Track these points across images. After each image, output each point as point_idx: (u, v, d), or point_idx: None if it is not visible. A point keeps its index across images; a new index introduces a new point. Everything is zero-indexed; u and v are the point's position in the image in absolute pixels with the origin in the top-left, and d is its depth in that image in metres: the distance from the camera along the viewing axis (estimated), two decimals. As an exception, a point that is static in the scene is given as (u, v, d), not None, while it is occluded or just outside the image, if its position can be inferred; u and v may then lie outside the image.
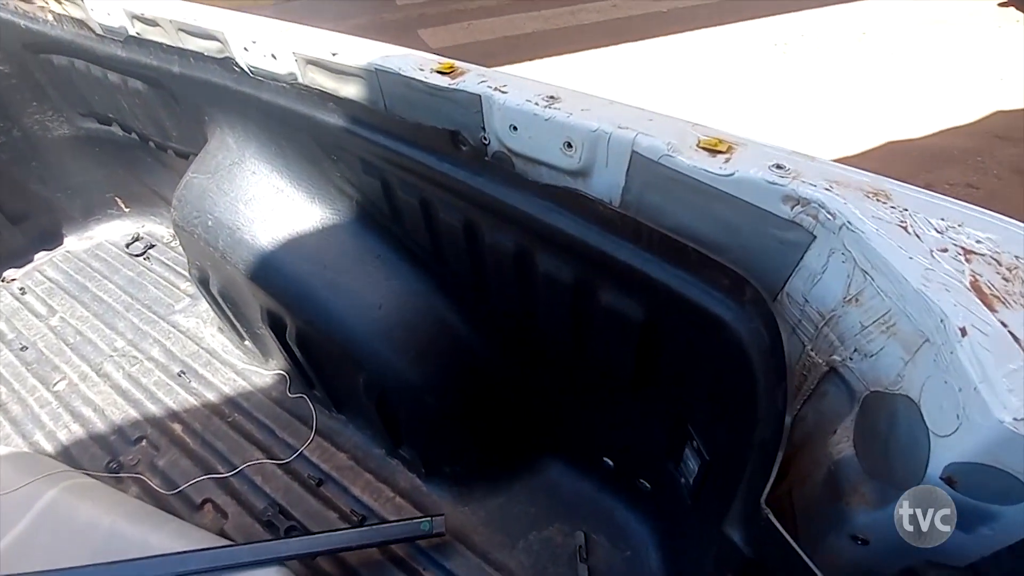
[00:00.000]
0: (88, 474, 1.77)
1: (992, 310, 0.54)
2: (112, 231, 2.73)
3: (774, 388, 0.65)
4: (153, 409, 2.00)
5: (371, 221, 1.55)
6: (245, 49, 1.40)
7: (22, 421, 1.98)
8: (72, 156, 2.48)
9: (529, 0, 6.54)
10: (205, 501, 1.74)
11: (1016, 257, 0.60)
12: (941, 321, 0.55)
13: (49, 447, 1.92)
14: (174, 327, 2.27)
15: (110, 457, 1.87)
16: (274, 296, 1.57)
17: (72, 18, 1.88)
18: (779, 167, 0.76)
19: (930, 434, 0.55)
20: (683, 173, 0.83)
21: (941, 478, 0.54)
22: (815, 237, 0.73)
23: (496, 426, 1.67)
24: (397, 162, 1.24)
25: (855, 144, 4.15)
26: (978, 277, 0.58)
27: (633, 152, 0.87)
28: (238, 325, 1.93)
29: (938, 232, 0.64)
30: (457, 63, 1.13)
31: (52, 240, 2.66)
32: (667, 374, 1.08)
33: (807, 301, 0.78)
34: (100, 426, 1.97)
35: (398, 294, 1.53)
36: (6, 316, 2.35)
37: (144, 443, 1.91)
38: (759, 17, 6.21)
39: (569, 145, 0.94)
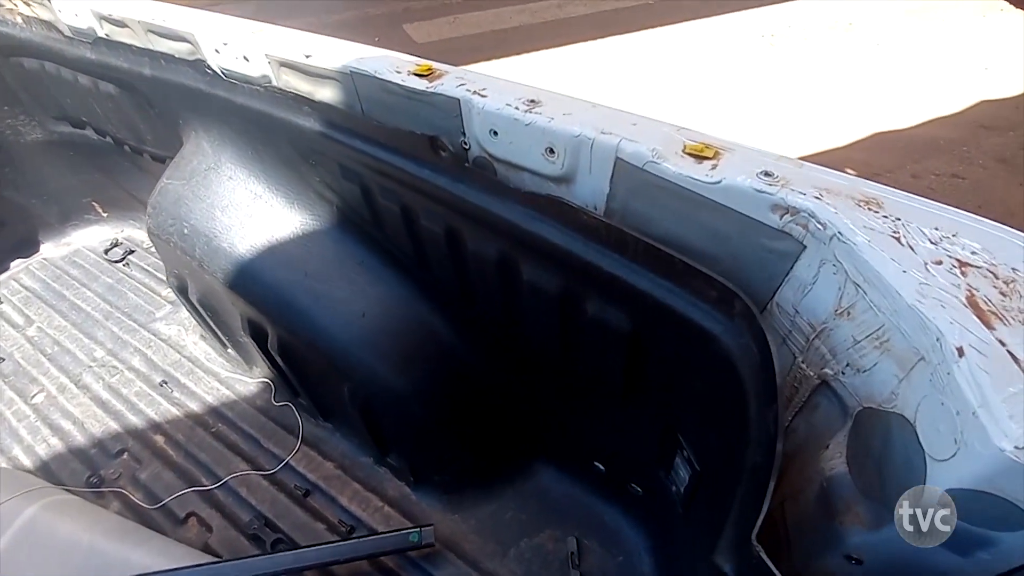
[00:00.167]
0: (68, 490, 1.73)
1: (990, 327, 0.52)
2: (90, 237, 2.66)
3: (765, 409, 0.63)
4: (134, 421, 1.95)
5: (353, 226, 1.51)
6: (216, 51, 1.35)
7: (-1, 435, 1.93)
8: (46, 161, 2.41)
9: (515, -7, 6.47)
10: (189, 515, 1.70)
11: (1013, 270, 0.58)
12: (937, 340, 0.53)
13: (28, 462, 1.87)
14: (155, 335, 2.21)
15: (90, 471, 1.82)
16: (254, 305, 1.53)
17: (41, 20, 1.81)
18: (767, 174, 0.73)
19: (926, 457, 0.53)
20: (669, 180, 0.80)
21: (938, 504, 0.52)
22: (805, 247, 0.71)
23: (485, 432, 1.64)
24: (376, 168, 1.20)
25: (843, 135, 4.14)
26: (974, 292, 0.55)
27: (617, 158, 0.84)
28: (220, 333, 1.89)
29: (932, 243, 0.62)
30: (435, 65, 1.09)
31: (28, 247, 2.59)
32: (656, 384, 1.06)
33: (797, 312, 0.75)
34: (80, 439, 1.92)
35: (382, 301, 1.49)
36: (-19, 327, 2.29)
37: (125, 456, 1.86)
38: (746, 8, 6.19)
39: (551, 151, 0.91)
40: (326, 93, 1.22)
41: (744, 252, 0.78)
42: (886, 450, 0.60)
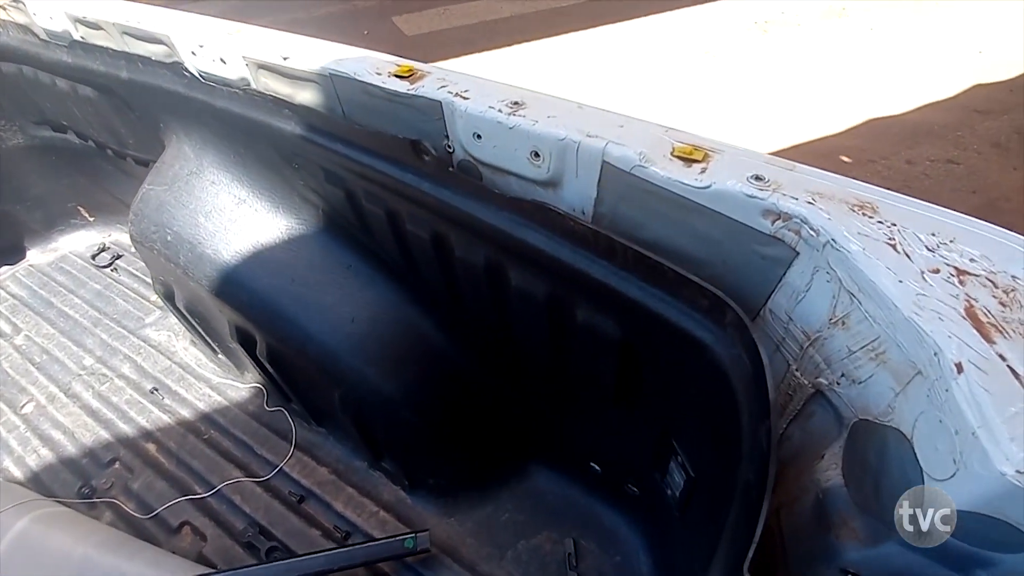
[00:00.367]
0: (60, 501, 1.71)
1: (989, 341, 0.50)
2: (76, 242, 2.62)
3: (758, 424, 0.61)
4: (125, 429, 1.92)
5: (340, 230, 1.48)
6: (193, 53, 1.31)
7: (-12, 447, 1.90)
8: (29, 166, 2.37)
9: (506, -17, 6.38)
10: (183, 524, 1.68)
11: (1013, 277, 0.55)
12: (935, 354, 0.51)
13: (18, 473, 1.85)
14: (145, 342, 2.18)
15: (82, 482, 1.80)
16: (241, 313, 1.50)
17: (17, 24, 1.76)
18: (758, 178, 0.70)
19: (924, 476, 0.51)
20: (658, 185, 0.77)
21: (937, 524, 0.50)
22: (798, 253, 0.69)
23: (479, 435, 1.62)
24: (359, 172, 1.17)
25: (837, 122, 4.11)
26: (973, 303, 0.53)
27: (604, 162, 0.82)
28: (209, 340, 1.86)
29: (929, 250, 0.59)
30: (416, 65, 1.06)
31: (14, 254, 2.55)
32: (648, 390, 1.04)
33: (791, 319, 0.73)
34: (71, 449, 1.89)
35: (371, 306, 1.47)
36: (-32, 336, 2.25)
37: (117, 465, 1.84)
38: (739, -5, 6.12)
39: (536, 155, 0.88)
40: (306, 96, 1.19)
41: (735, 258, 0.76)
42: (882, 465, 0.58)
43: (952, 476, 0.48)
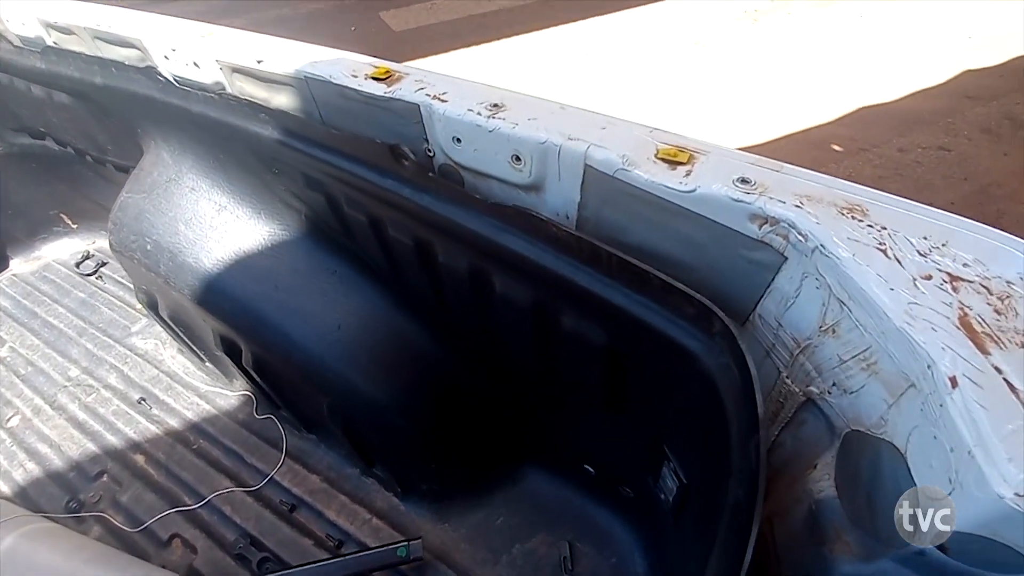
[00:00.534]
0: (47, 516, 1.68)
1: (984, 352, 0.48)
2: (60, 250, 2.57)
3: (747, 439, 0.59)
4: (113, 441, 1.89)
5: (323, 235, 1.45)
6: (166, 57, 1.28)
7: (-26, 462, 1.87)
8: (8, 174, 2.32)
9: (494, -24, 6.30)
10: (173, 536, 1.66)
11: (1008, 283, 0.53)
12: (928, 367, 0.48)
13: (5, 488, 1.82)
14: (131, 351, 2.15)
15: (69, 496, 1.77)
16: (224, 322, 1.47)
17: None
18: (744, 181, 0.68)
19: (919, 493, 0.49)
20: (641, 189, 0.75)
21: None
22: (786, 259, 0.66)
23: (471, 439, 1.60)
24: (339, 177, 1.14)
25: (829, 111, 4.09)
26: (967, 311, 0.51)
27: (586, 166, 0.79)
28: (195, 348, 1.83)
29: (921, 255, 0.57)
30: (393, 67, 1.02)
31: (-4, 263, 2.50)
32: (637, 396, 1.02)
33: (780, 325, 0.71)
34: (57, 463, 1.86)
35: (357, 312, 1.44)
36: (-49, 349, 2.21)
37: (105, 478, 1.81)
38: (729, -16, 6.07)
39: (517, 158, 0.85)
40: (282, 99, 1.16)
41: (722, 262, 0.74)
42: (876, 479, 0.56)
43: (948, 495, 0.46)
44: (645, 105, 4.11)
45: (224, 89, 1.23)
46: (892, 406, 0.55)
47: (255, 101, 1.18)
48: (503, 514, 1.64)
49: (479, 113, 0.86)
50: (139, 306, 2.28)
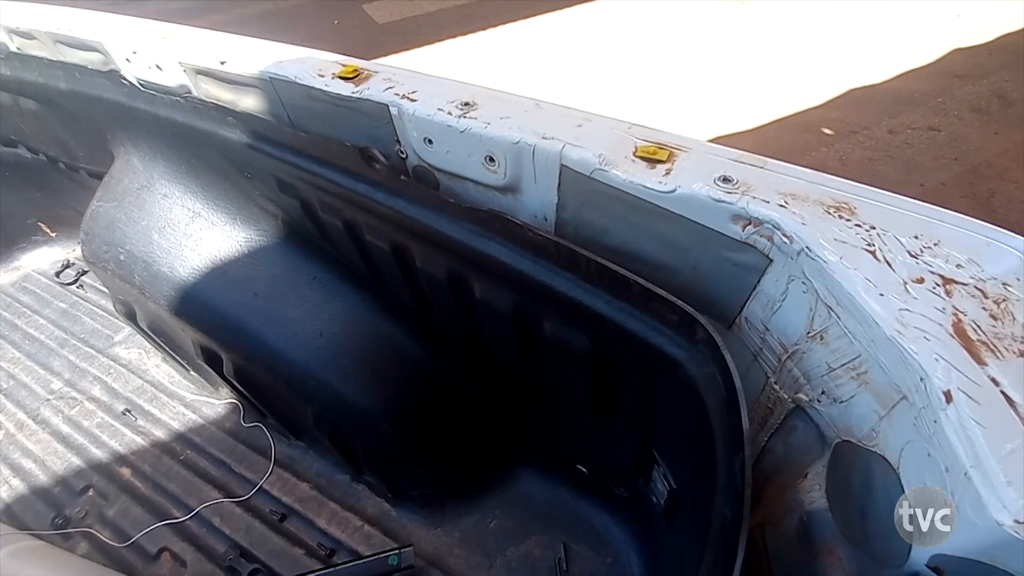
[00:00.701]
0: (34, 534, 1.64)
1: (980, 363, 0.45)
2: (39, 259, 2.52)
3: (732, 456, 0.56)
4: (98, 454, 1.86)
5: (302, 240, 1.41)
6: (127, 60, 1.22)
7: (-43, 480, 1.83)
8: (-19, 183, 2.26)
9: (478, -36, 6.18)
10: (161, 550, 1.63)
11: (1004, 285, 0.50)
12: (921, 380, 0.45)
13: (-11, 506, 1.78)
14: (114, 361, 2.11)
15: (56, 512, 1.74)
16: (203, 332, 1.43)
17: None
18: (726, 180, 0.64)
19: (913, 513, 0.47)
20: (620, 189, 0.71)
21: (928, 566, 0.46)
22: (771, 261, 0.63)
23: (461, 442, 1.57)
24: (311, 182, 1.09)
25: (819, 94, 4.04)
26: (961, 317, 0.48)
27: (562, 166, 0.75)
28: (178, 358, 1.79)
29: (912, 256, 0.54)
30: (361, 64, 0.98)
31: (-26, 275, 2.45)
32: (625, 401, 0.99)
33: (767, 329, 0.68)
34: (42, 478, 1.82)
35: (340, 318, 1.40)
36: (-70, 364, 2.16)
37: (91, 493, 1.77)
38: (716, -33, 5.98)
39: (491, 159, 0.82)
40: (249, 102, 1.11)
41: (706, 264, 0.71)
42: (868, 493, 0.54)
43: (943, 517, 0.43)
44: (634, 92, 4.05)
45: (189, 92, 1.18)
46: (884, 418, 0.52)
47: (221, 104, 1.13)
48: (496, 517, 1.62)
49: (449, 113, 0.82)
50: (121, 315, 2.24)
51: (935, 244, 0.55)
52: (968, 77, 4.15)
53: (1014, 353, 0.45)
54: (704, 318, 0.63)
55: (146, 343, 2.12)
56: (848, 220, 0.58)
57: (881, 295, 0.51)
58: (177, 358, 1.79)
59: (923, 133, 3.72)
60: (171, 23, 1.27)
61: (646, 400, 0.90)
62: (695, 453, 0.79)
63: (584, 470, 1.51)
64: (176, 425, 1.90)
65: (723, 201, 0.63)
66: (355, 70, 0.96)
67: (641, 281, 0.68)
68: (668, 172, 0.69)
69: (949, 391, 0.43)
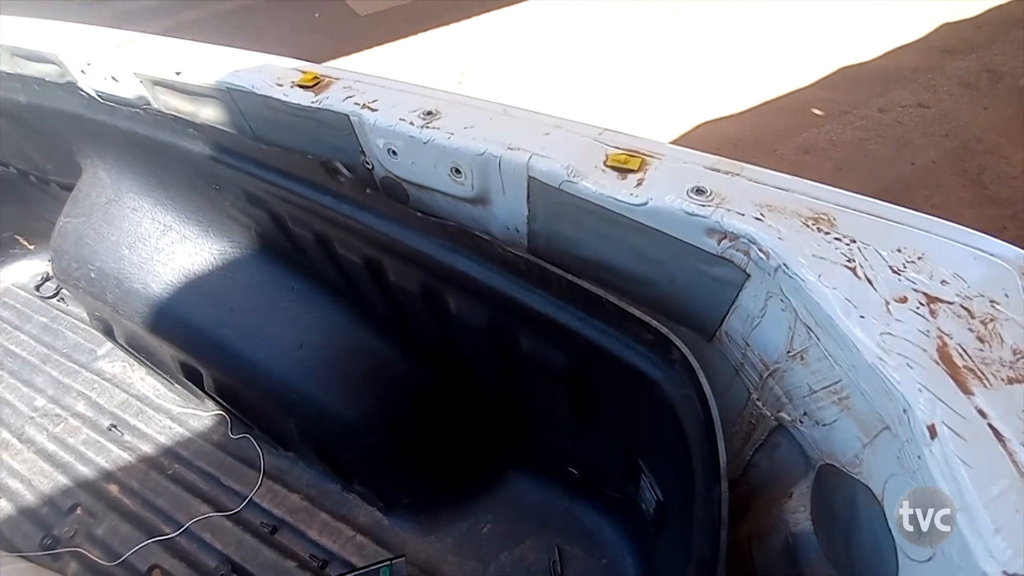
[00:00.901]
0: (22, 556, 1.62)
1: (967, 392, 0.42)
2: (18, 273, 2.46)
3: (710, 487, 0.53)
4: (85, 472, 1.83)
5: (277, 251, 1.37)
6: (83, 72, 1.17)
7: (-58, 503, 1.80)
8: (-48, 198, 2.20)
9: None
10: (152, 568, 1.60)
11: (991, 303, 0.47)
12: (904, 411, 0.43)
13: (-23, 528, 1.76)
14: (98, 375, 2.07)
15: (44, 532, 1.71)
16: (180, 348, 1.40)
17: None
18: (699, 191, 0.61)
19: (898, 551, 0.44)
20: (590, 201, 0.67)
21: (914, 604, 0.43)
22: (749, 276, 0.60)
23: (450, 449, 1.55)
24: (279, 195, 1.05)
25: (808, 73, 3.99)
26: (947, 340, 0.45)
27: (530, 177, 0.71)
28: (160, 372, 1.76)
29: (894, 272, 0.51)
30: (321, 71, 0.93)
31: (-48, 291, 2.40)
32: (607, 415, 0.96)
33: (748, 344, 0.65)
34: (29, 498, 1.80)
35: (320, 329, 1.37)
36: (-90, 385, 2.12)
37: (79, 511, 1.75)
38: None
39: (457, 171, 0.78)
40: (209, 113, 1.06)
41: (683, 277, 0.67)
42: (852, 521, 0.51)
43: (929, 560, 0.41)
44: (621, 77, 3.99)
45: (148, 103, 1.14)
46: (867, 446, 0.49)
47: (181, 116, 1.09)
48: (489, 522, 1.60)
49: (412, 123, 0.78)
50: (103, 328, 2.19)
51: (919, 258, 0.51)
52: (957, 52, 4.09)
53: (1002, 380, 0.42)
54: (678, 340, 0.59)
55: (130, 356, 2.08)
56: (827, 233, 0.55)
57: (862, 317, 0.47)
58: (160, 373, 1.76)
59: (913, 111, 3.67)
60: (129, 31, 1.21)
61: (627, 415, 0.88)
62: (677, 471, 0.77)
63: (575, 472, 1.49)
64: (163, 439, 1.87)
65: (696, 215, 0.59)
66: (315, 78, 0.91)
67: (614, 299, 0.65)
68: (640, 183, 0.65)
69: (933, 425, 0.40)
